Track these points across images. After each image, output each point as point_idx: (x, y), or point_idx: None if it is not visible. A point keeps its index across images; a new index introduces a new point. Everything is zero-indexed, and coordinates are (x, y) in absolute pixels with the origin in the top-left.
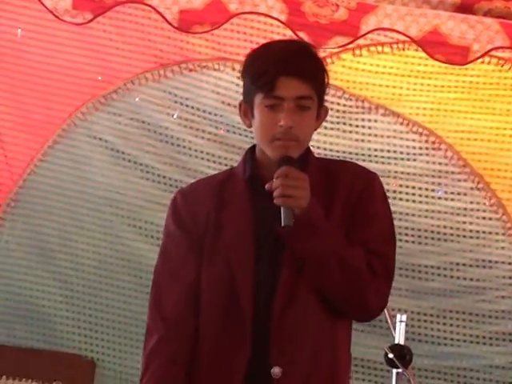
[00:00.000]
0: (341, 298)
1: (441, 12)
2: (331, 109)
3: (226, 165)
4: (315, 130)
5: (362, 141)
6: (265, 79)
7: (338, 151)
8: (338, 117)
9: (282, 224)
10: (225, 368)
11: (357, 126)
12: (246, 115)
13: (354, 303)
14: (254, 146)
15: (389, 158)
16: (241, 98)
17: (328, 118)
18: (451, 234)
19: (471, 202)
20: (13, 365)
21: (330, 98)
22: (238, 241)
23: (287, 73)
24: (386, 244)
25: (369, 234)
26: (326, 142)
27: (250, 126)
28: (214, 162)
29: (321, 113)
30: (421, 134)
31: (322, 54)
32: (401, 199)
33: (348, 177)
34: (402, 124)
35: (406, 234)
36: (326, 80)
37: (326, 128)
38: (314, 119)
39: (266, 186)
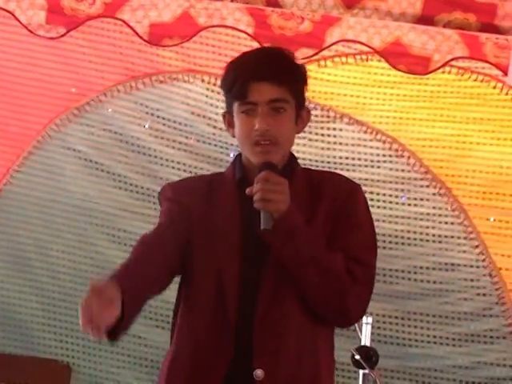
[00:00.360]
0: (320, 302)
1: (402, 24)
2: None
3: (196, 173)
4: (297, 132)
5: (328, 149)
6: (237, 86)
7: (304, 159)
8: None
9: (262, 227)
10: (206, 366)
11: (322, 135)
12: (230, 125)
13: (334, 308)
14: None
15: (354, 165)
16: (209, 108)
17: None
18: (415, 239)
19: (434, 208)
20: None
21: None
22: (225, 241)
23: (258, 78)
24: (367, 252)
25: (350, 242)
26: (292, 150)
27: (233, 135)
28: (185, 170)
29: (302, 115)
30: (384, 142)
31: None
32: None
33: (331, 187)
34: (366, 132)
35: None
36: (304, 78)
37: None
38: (292, 121)
39: (247, 191)
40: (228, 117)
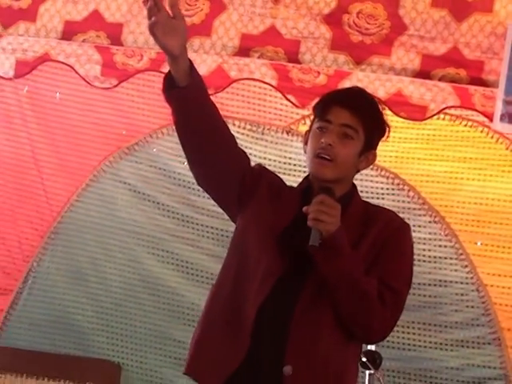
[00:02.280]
0: (348, 318)
1: (403, 77)
2: None
3: None
4: (359, 167)
5: None
6: (321, 106)
7: None
8: None
9: (310, 243)
10: (244, 306)
11: None
12: (305, 142)
13: (359, 325)
14: None
15: (362, 197)
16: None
17: None
18: (413, 260)
19: (429, 233)
20: (53, 368)
21: None
22: (272, 237)
23: (341, 103)
24: (401, 283)
25: (388, 270)
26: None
27: (305, 151)
28: None
29: (368, 155)
30: (387, 177)
31: (305, 112)
32: None
33: (383, 221)
34: (372, 169)
35: None
36: (382, 127)
37: None
38: (356, 152)
39: (304, 209)
40: (306, 135)
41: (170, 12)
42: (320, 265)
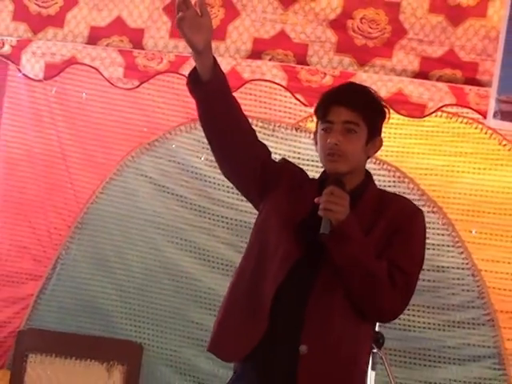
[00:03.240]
0: (359, 299)
1: (403, 78)
2: None
3: (240, 195)
4: (368, 155)
5: None
6: (321, 110)
7: None
8: None
9: (320, 231)
10: (263, 283)
11: None
12: (315, 143)
13: (370, 306)
14: None
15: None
16: None
17: None
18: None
19: (428, 222)
20: (80, 349)
21: None
22: (290, 229)
23: (338, 102)
24: (412, 265)
25: (399, 253)
26: None
27: (317, 151)
28: (233, 192)
29: (375, 142)
30: (389, 171)
31: (313, 110)
32: None
33: (396, 207)
34: (375, 163)
35: None
36: (380, 112)
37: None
38: (362, 143)
39: (315, 200)
40: (315, 136)
41: (197, 10)
42: (330, 251)
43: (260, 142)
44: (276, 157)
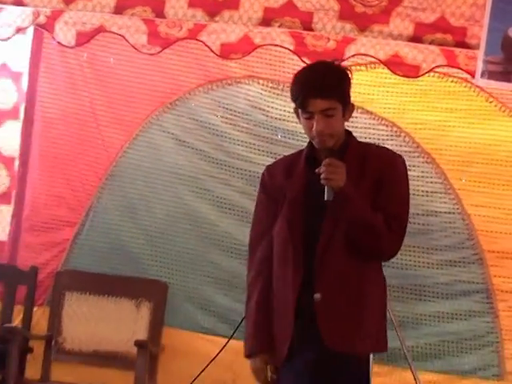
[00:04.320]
0: (363, 245)
1: (399, 42)
2: None
3: (254, 149)
4: (346, 120)
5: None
6: (300, 100)
7: None
8: None
9: (325, 198)
10: (285, 289)
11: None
12: (298, 118)
13: (372, 249)
14: None
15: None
16: (264, 102)
17: None
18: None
19: (422, 172)
20: (111, 287)
21: None
22: (293, 204)
23: (313, 95)
24: (401, 209)
25: (389, 201)
26: None
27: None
28: (246, 147)
29: (348, 108)
30: (387, 126)
31: None
32: None
33: (377, 159)
34: (374, 119)
35: None
36: (346, 84)
37: None
38: (340, 118)
39: (316, 171)
40: (296, 112)
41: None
42: (336, 212)
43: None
44: (285, 114)
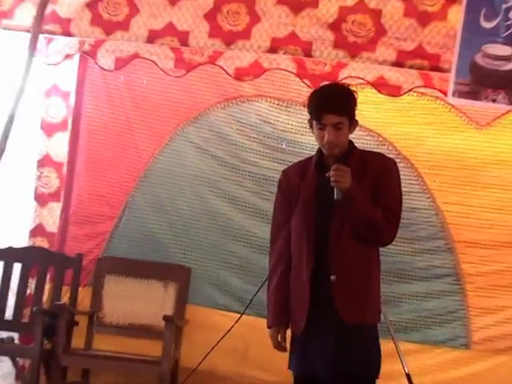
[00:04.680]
0: (366, 235)
1: (384, 66)
2: None
3: (262, 155)
4: (351, 132)
5: None
6: (315, 114)
7: None
8: None
9: (335, 198)
10: (301, 272)
11: None
12: (311, 128)
13: (374, 239)
14: None
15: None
16: (271, 117)
17: None
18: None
19: (403, 175)
20: (143, 271)
21: None
22: (307, 202)
23: (327, 111)
24: (396, 205)
25: (386, 198)
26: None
27: (312, 133)
28: (256, 154)
29: (353, 123)
30: (373, 136)
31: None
32: None
33: (375, 163)
34: (362, 131)
35: None
36: (353, 104)
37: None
38: (347, 131)
39: (326, 175)
40: (310, 123)
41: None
42: (344, 209)
43: (288, 227)
44: (289, 127)
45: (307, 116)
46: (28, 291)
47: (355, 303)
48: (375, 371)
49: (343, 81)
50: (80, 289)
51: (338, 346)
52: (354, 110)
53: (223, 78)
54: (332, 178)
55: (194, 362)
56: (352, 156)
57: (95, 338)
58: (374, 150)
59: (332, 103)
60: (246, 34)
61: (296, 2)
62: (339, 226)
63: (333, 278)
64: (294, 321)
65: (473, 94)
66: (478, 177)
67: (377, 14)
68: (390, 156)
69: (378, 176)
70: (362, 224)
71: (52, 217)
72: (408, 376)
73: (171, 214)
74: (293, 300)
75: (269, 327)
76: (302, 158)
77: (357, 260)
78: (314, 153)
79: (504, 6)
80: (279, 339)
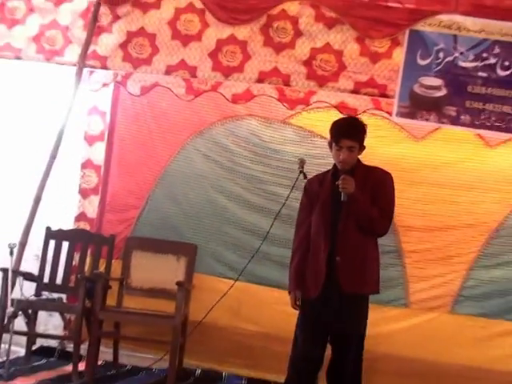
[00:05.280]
0: (365, 228)
1: (344, 93)
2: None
3: (252, 160)
4: (359, 154)
5: (313, 149)
6: (335, 138)
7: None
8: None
9: (342, 199)
10: (319, 254)
11: (311, 144)
12: (330, 149)
13: (372, 231)
14: None
15: (323, 156)
16: (259, 132)
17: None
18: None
19: None
20: (161, 247)
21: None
22: (324, 203)
23: (344, 137)
24: (389, 206)
25: (382, 201)
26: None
27: (331, 151)
28: (247, 159)
29: (362, 148)
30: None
31: (292, 112)
32: None
33: (375, 175)
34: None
35: None
36: (364, 136)
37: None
38: (357, 153)
39: (336, 183)
40: (330, 145)
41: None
42: (349, 208)
43: (308, 221)
44: (272, 139)
45: (286, 130)
46: (73, 263)
47: (353, 278)
48: (363, 334)
49: (314, 104)
50: (113, 261)
51: (339, 310)
52: (364, 138)
53: (223, 102)
54: (340, 185)
55: (200, 316)
56: (358, 169)
57: (124, 299)
58: (376, 166)
59: (349, 131)
60: (240, 69)
61: (278, 45)
62: (345, 221)
63: (338, 259)
64: (308, 289)
65: (411, 115)
66: (414, 177)
67: (339, 54)
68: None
69: (377, 185)
70: (362, 219)
71: (92, 206)
72: None
73: (183, 205)
74: (310, 274)
75: (289, 292)
76: (319, 172)
77: (357, 246)
78: (293, 159)
79: (435, 48)
80: (296, 301)
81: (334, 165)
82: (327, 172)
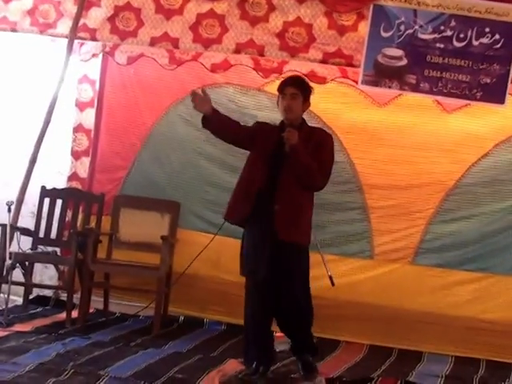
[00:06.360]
0: (304, 181)
1: (314, 63)
2: None
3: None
4: (303, 110)
5: None
6: (281, 89)
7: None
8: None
9: (286, 149)
10: (251, 185)
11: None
12: (277, 104)
13: (310, 184)
14: None
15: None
16: (235, 98)
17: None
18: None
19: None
20: (147, 205)
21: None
22: (265, 146)
23: (287, 85)
24: (328, 163)
25: (322, 158)
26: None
27: (278, 106)
28: None
29: (306, 103)
30: (307, 112)
31: (267, 80)
32: None
33: (318, 135)
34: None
35: None
36: (308, 90)
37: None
38: (300, 104)
39: (282, 134)
40: (277, 99)
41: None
42: (290, 158)
43: (245, 128)
44: (248, 105)
45: (260, 97)
46: (66, 219)
47: (290, 227)
48: (306, 270)
49: (287, 73)
50: (103, 217)
51: (274, 258)
52: (308, 93)
53: (202, 71)
54: (285, 137)
55: (183, 268)
56: (303, 128)
57: (113, 252)
58: (319, 126)
59: (291, 80)
60: (218, 40)
61: (253, 18)
62: (287, 173)
63: (277, 207)
64: (234, 210)
65: (375, 83)
66: (378, 140)
67: (309, 27)
68: (317, 125)
69: (319, 143)
70: (302, 170)
71: (83, 167)
72: (330, 277)
73: (166, 166)
74: (237, 200)
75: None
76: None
77: (295, 196)
78: (264, 122)
79: (397, 21)
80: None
81: (282, 121)
82: (275, 125)
